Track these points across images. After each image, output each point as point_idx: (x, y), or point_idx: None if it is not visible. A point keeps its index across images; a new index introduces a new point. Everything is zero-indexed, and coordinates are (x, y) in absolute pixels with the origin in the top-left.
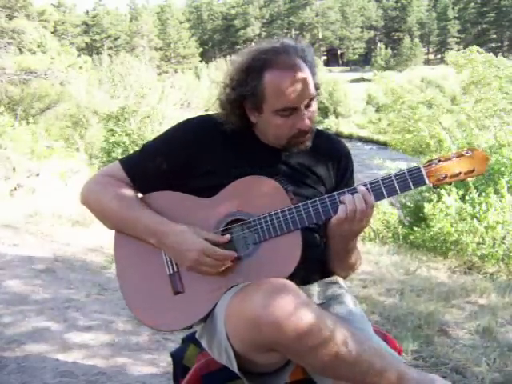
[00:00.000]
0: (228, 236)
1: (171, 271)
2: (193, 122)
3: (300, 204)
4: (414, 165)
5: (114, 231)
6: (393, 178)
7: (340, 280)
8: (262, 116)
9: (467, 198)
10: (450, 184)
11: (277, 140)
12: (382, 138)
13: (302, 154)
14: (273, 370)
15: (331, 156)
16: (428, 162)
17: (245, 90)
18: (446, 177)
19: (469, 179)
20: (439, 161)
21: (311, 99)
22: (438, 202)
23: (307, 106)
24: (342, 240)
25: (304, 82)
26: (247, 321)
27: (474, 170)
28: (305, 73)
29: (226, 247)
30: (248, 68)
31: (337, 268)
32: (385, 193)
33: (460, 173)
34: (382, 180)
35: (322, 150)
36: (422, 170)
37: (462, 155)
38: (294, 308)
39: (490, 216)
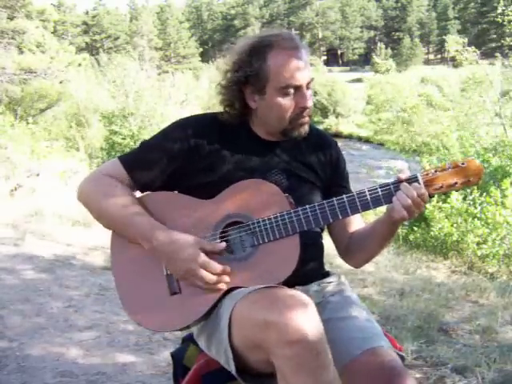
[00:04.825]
0: (224, 244)
1: (168, 271)
2: (191, 119)
3: (299, 209)
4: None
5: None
6: (391, 186)
7: (342, 278)
8: (264, 98)
9: (469, 198)
10: (445, 193)
11: (279, 122)
12: (381, 138)
13: (295, 148)
14: (271, 371)
15: (322, 149)
16: (425, 171)
17: (248, 71)
18: (442, 186)
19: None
20: (436, 171)
21: (310, 81)
22: (438, 202)
23: (307, 88)
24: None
25: (305, 62)
26: (254, 327)
27: (469, 181)
28: (306, 56)
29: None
30: (252, 49)
31: (366, 252)
32: (382, 200)
33: (456, 183)
34: (380, 187)
35: (312, 143)
36: (420, 178)
37: (458, 166)
38: (303, 323)
39: (496, 216)
